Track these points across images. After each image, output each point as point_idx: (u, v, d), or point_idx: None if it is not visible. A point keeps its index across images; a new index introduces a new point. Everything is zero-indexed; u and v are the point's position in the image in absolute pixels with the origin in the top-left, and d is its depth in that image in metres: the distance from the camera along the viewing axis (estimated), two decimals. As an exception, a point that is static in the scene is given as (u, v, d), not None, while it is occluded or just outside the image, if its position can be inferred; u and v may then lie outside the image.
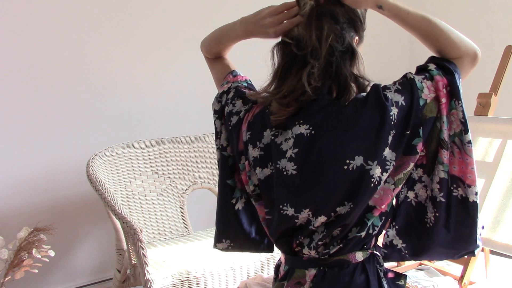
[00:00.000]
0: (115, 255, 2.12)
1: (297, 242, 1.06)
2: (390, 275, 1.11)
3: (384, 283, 1.07)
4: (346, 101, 1.03)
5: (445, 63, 1.03)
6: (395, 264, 2.27)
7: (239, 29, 1.16)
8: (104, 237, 2.49)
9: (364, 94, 1.04)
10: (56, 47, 2.31)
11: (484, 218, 1.95)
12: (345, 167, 0.98)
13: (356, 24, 1.07)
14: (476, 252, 1.08)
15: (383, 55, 3.24)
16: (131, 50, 2.51)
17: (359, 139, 0.98)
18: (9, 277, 1.90)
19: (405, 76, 1.03)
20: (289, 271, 1.10)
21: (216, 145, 1.19)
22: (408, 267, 2.35)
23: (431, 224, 1.06)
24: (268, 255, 1.97)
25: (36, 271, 1.93)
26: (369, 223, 1.04)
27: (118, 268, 2.10)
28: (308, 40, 1.00)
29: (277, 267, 1.17)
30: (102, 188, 1.93)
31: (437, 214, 1.05)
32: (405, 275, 1.12)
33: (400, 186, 1.04)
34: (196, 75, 2.54)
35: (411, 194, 1.08)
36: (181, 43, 2.63)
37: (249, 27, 1.14)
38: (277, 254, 1.25)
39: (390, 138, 0.99)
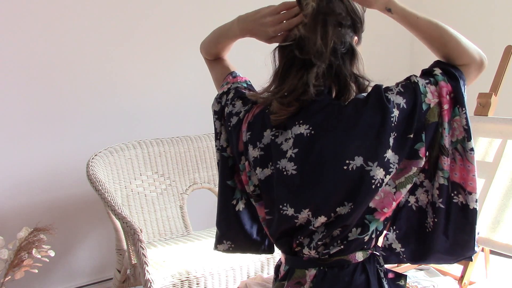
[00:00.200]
0: (115, 255, 2.12)
1: (297, 242, 1.06)
2: (390, 275, 1.11)
3: (385, 283, 1.07)
4: (345, 101, 1.03)
5: (451, 69, 1.03)
6: (395, 264, 2.27)
7: (236, 27, 1.15)
8: (104, 237, 2.49)
9: (364, 94, 1.04)
10: (56, 47, 2.31)
11: (484, 218, 1.95)
12: (345, 167, 0.98)
13: (357, 25, 1.06)
14: (472, 257, 1.09)
15: (384, 55, 3.24)
16: (131, 50, 2.51)
17: (359, 139, 0.98)
18: (9, 277, 1.90)
19: (408, 78, 1.03)
20: (289, 271, 1.10)
21: (216, 146, 1.19)
22: (408, 267, 2.35)
23: (430, 229, 1.06)
24: (268, 255, 1.97)
25: (36, 271, 1.93)
26: (372, 227, 1.03)
27: (118, 268, 2.10)
28: (312, 45, 0.99)
29: (277, 267, 1.17)
30: (102, 188, 1.93)
31: (435, 220, 1.05)
32: (405, 275, 1.12)
33: (401, 191, 1.03)
34: (196, 75, 2.53)
35: (412, 199, 1.08)
36: (181, 43, 2.63)
37: (248, 25, 1.12)
38: (277, 254, 1.25)
39: (391, 140, 0.98)
